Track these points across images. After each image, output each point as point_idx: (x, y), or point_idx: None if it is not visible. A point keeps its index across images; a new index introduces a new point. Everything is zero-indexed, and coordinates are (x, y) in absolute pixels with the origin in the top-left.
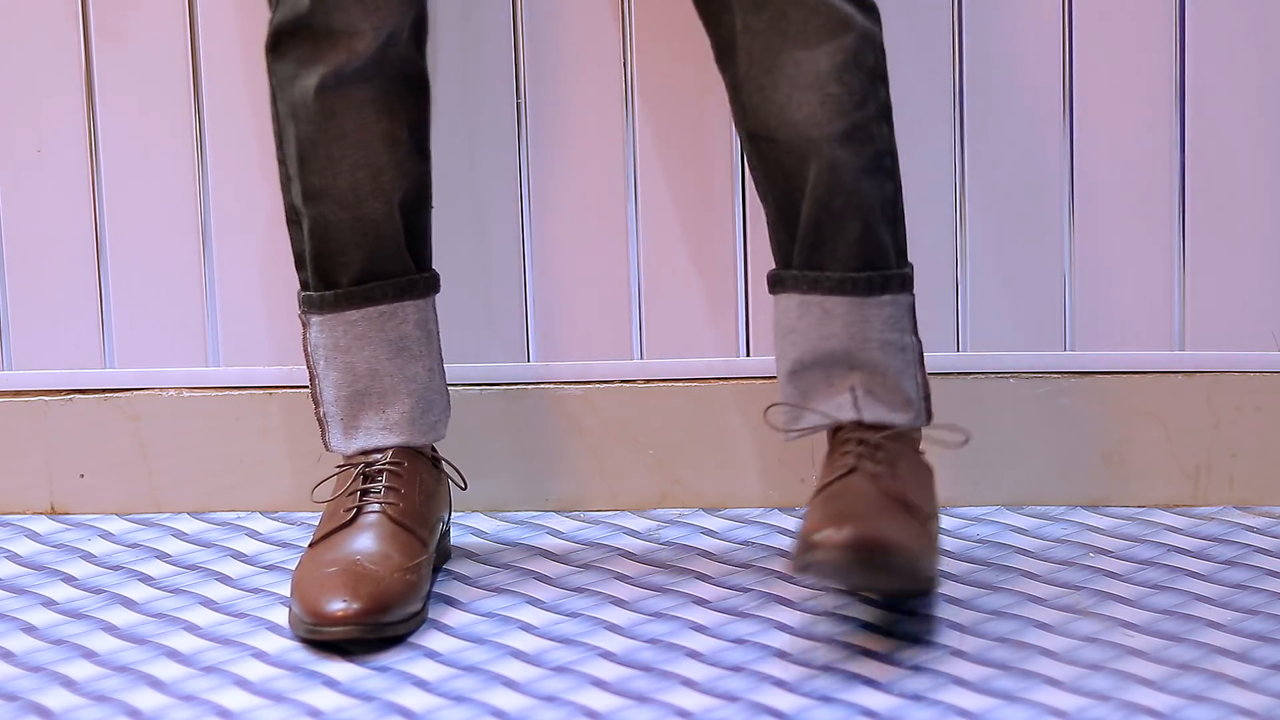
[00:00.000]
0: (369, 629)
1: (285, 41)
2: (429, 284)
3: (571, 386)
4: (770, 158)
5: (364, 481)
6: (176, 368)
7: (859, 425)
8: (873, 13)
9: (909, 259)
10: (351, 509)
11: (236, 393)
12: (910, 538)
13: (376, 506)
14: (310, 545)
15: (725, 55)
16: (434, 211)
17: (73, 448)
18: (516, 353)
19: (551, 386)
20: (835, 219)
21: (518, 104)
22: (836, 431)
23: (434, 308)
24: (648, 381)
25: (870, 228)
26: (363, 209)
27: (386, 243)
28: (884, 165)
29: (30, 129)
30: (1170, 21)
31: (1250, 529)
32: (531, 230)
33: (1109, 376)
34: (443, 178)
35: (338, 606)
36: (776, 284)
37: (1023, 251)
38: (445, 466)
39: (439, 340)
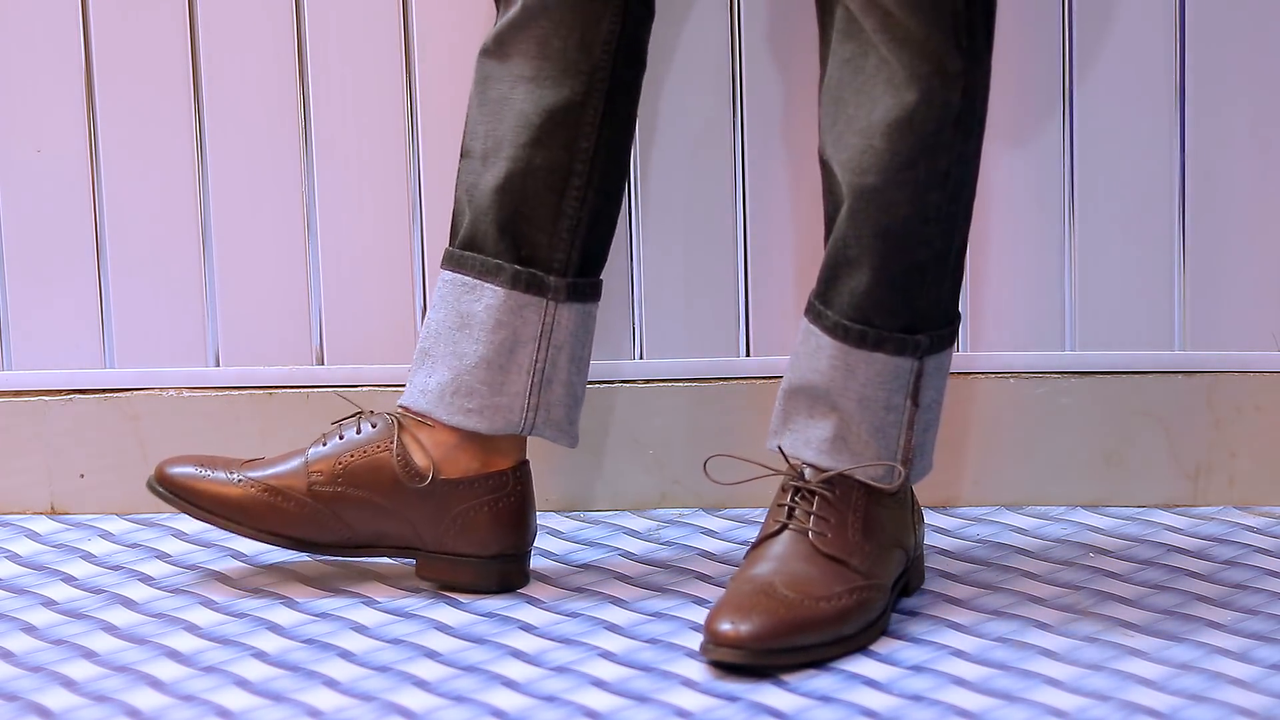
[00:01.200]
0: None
1: None
2: (518, 278)
3: None
4: (826, 181)
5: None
6: (176, 368)
7: (799, 474)
8: (957, 79)
9: (940, 320)
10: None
11: (236, 393)
12: (828, 608)
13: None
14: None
15: (821, 66)
16: (434, 212)
17: (73, 448)
18: None
19: None
20: (846, 265)
21: None
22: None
23: (539, 311)
24: (648, 381)
25: (878, 286)
26: (478, 177)
27: (482, 218)
28: (919, 232)
29: (30, 129)
30: (1170, 21)
31: (1250, 529)
32: None
33: (1109, 376)
34: (442, 178)
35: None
36: (808, 302)
37: (1024, 251)
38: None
39: (535, 349)
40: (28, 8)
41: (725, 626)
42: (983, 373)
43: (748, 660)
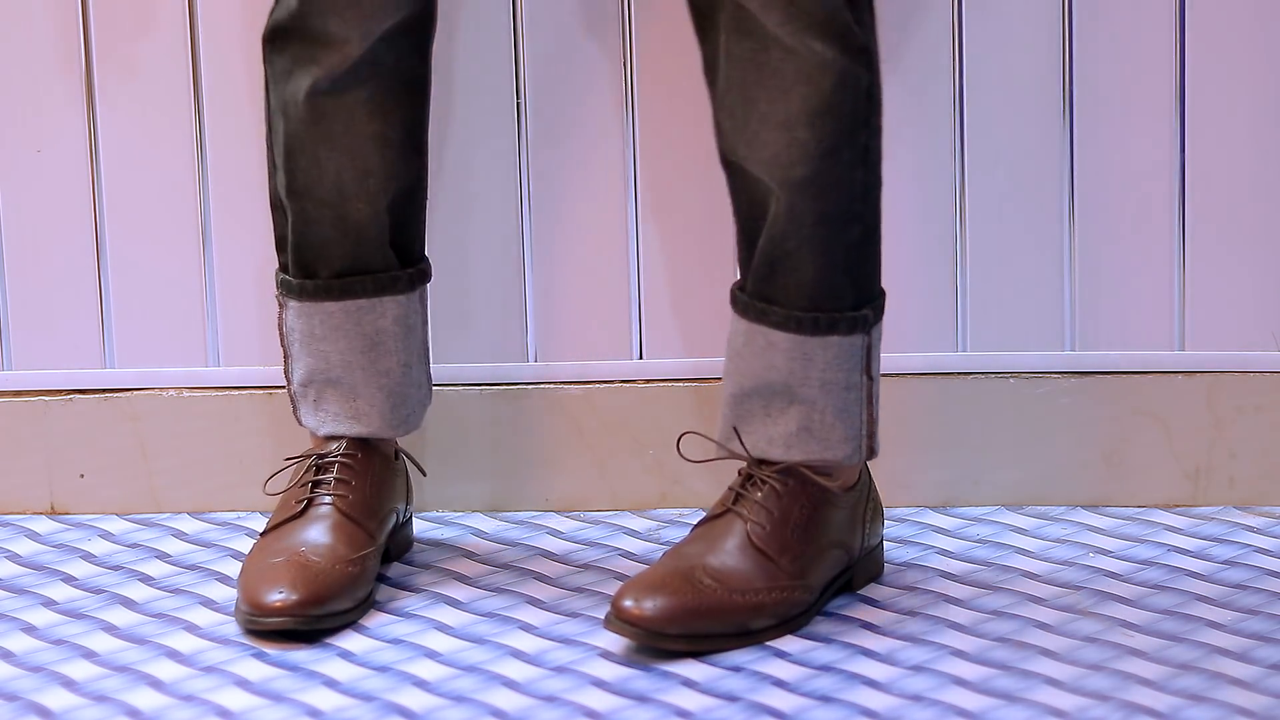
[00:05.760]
0: (305, 620)
1: (281, 38)
2: (413, 279)
3: (571, 386)
4: (736, 182)
5: (316, 473)
6: (176, 368)
7: (759, 463)
8: (862, 54)
9: (876, 292)
10: (302, 500)
11: (236, 393)
12: (740, 601)
13: (328, 498)
14: (261, 535)
15: (710, 70)
16: (434, 211)
17: (73, 448)
18: (516, 353)
19: (551, 386)
20: (788, 258)
21: (518, 104)
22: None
23: (420, 299)
24: (648, 381)
25: (823, 271)
26: (346, 209)
27: (369, 242)
28: (852, 210)
29: (30, 129)
30: (1170, 21)
31: (1250, 529)
32: (532, 230)
33: (1109, 376)
34: (442, 178)
35: (276, 597)
36: (733, 302)
37: (1023, 251)
38: (404, 458)
39: (423, 332)
40: (28, 8)
41: (628, 603)
42: (983, 373)
43: (642, 640)
